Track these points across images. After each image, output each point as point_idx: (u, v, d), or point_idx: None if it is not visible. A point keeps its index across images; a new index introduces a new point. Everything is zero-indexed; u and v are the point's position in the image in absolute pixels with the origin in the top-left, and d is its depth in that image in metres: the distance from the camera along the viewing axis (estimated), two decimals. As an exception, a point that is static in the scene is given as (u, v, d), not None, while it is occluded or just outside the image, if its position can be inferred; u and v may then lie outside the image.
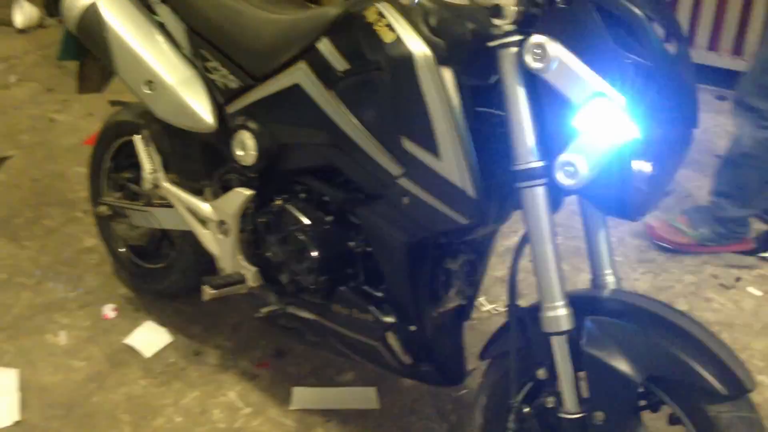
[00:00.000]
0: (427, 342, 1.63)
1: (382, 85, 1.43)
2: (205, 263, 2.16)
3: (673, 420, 1.36)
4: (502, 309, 2.29)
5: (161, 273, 2.25)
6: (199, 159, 1.98)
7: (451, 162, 1.35)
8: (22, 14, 4.49)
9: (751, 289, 2.38)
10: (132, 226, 2.27)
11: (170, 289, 2.25)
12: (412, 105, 1.37)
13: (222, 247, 1.85)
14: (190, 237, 2.10)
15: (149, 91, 1.85)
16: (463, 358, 1.71)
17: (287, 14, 1.72)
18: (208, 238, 1.88)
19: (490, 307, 2.31)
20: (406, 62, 1.36)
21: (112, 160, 2.29)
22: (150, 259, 2.32)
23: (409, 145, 1.40)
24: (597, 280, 1.49)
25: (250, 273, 1.81)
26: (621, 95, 1.19)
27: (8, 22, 4.53)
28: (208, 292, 1.76)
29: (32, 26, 4.67)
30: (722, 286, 2.41)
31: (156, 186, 1.96)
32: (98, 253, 2.56)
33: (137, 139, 1.98)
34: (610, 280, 1.48)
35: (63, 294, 2.38)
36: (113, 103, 3.62)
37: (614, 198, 1.27)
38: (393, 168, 1.44)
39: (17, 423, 1.91)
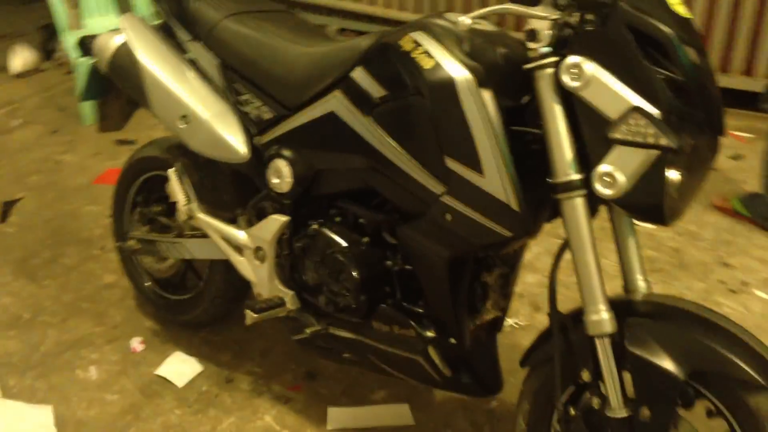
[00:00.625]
0: (465, 354, 1.69)
1: (421, 108, 1.51)
2: (234, 291, 2.23)
3: (710, 413, 1.44)
4: (524, 323, 2.36)
5: (189, 303, 2.30)
6: (229, 190, 2.04)
7: (495, 178, 1.43)
8: (20, 58, 4.55)
9: (759, 293, 2.47)
10: (158, 259, 2.33)
11: (199, 318, 2.30)
12: (455, 126, 1.45)
13: (259, 273, 1.91)
14: (218, 266, 2.17)
15: (184, 126, 1.92)
16: (499, 368, 1.77)
17: (319, 47, 1.80)
18: (245, 265, 1.94)
19: (511, 322, 2.38)
20: (447, 86, 1.45)
21: (138, 194, 2.35)
22: (176, 291, 2.37)
23: (453, 164, 1.47)
24: (629, 285, 1.56)
25: (287, 296, 1.87)
26: (654, 108, 1.28)
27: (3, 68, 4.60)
28: (251, 316, 1.81)
29: (29, 70, 4.74)
30: (731, 291, 2.50)
31: (191, 217, 2.02)
32: (119, 288, 2.61)
33: (171, 173, 2.04)
34: (641, 285, 1.55)
35: (89, 330, 2.41)
36: (119, 142, 3.73)
37: (649, 205, 1.35)
38: (435, 186, 1.52)
39: (58, 457, 1.94)
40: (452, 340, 1.67)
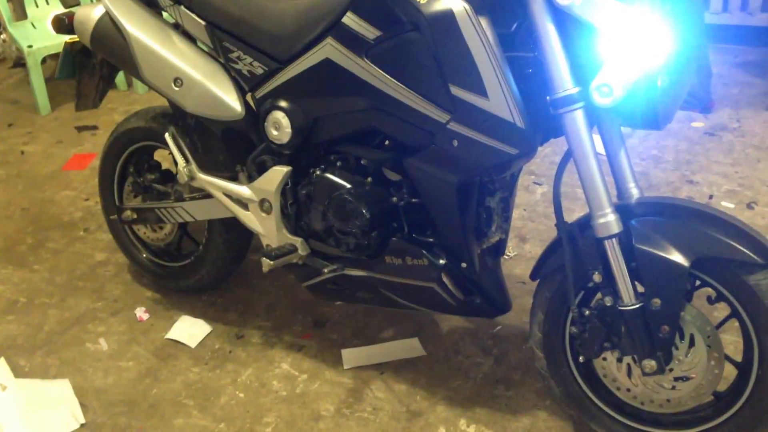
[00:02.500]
0: (476, 277, 1.79)
1: (420, 43, 1.58)
2: (235, 251, 2.28)
3: (711, 300, 1.58)
4: (513, 254, 2.47)
5: (190, 268, 2.34)
6: (223, 149, 2.08)
7: (500, 99, 1.52)
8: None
9: (726, 203, 2.63)
10: (153, 228, 2.36)
11: (201, 282, 2.34)
12: (457, 55, 1.53)
13: (266, 225, 1.97)
14: (217, 227, 2.22)
15: (178, 89, 1.95)
16: (506, 288, 1.87)
17: (303, -2, 1.86)
18: (251, 219, 1.99)
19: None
20: (446, 17, 1.52)
21: (125, 167, 2.36)
22: (174, 259, 2.40)
23: (457, 91, 1.55)
24: (624, 193, 1.67)
25: (297, 243, 1.93)
26: (643, 18, 1.38)
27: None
28: (267, 263, 1.88)
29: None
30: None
31: (192, 178, 2.05)
32: (113, 264, 2.63)
33: (168, 137, 2.07)
34: (634, 192, 1.66)
35: (90, 306, 2.43)
36: (80, 128, 3.70)
37: (643, 111, 1.47)
38: (440, 116, 1.60)
39: (83, 426, 1.97)
40: (463, 265, 1.77)
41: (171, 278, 2.40)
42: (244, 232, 2.19)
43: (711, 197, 2.68)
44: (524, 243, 2.53)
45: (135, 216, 2.30)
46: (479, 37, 1.51)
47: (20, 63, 4.55)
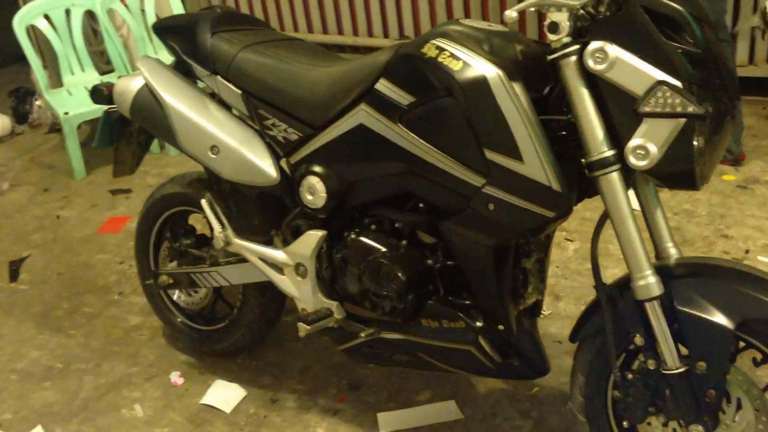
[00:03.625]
0: (513, 339, 1.77)
1: (454, 108, 1.60)
2: (270, 313, 2.29)
3: (757, 362, 1.55)
4: (547, 312, 2.45)
5: (225, 332, 2.35)
6: (257, 214, 2.11)
7: (535, 163, 1.53)
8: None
9: (762, 258, 2.60)
10: (188, 293, 2.37)
11: (236, 345, 2.34)
12: (492, 120, 1.55)
13: (302, 289, 1.97)
14: (252, 291, 2.23)
15: (214, 156, 1.99)
16: (544, 349, 1.85)
17: (337, 66, 1.89)
18: (287, 283, 2.00)
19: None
20: (480, 84, 1.55)
21: (161, 232, 2.40)
22: (209, 322, 2.41)
23: (492, 156, 1.57)
24: (662, 253, 1.66)
25: (333, 307, 1.93)
26: (676, 80, 1.39)
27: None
28: (304, 327, 1.87)
29: (4, 135, 4.75)
30: (736, 260, 2.62)
31: (228, 243, 2.07)
32: (147, 328, 2.64)
33: (204, 203, 2.10)
34: (672, 251, 1.65)
35: (125, 371, 2.44)
36: (115, 192, 3.76)
37: (680, 172, 1.46)
38: (475, 179, 1.61)
39: (120, 494, 1.96)
40: (500, 327, 1.76)
41: (205, 342, 2.41)
42: (279, 295, 2.20)
43: (747, 252, 2.65)
44: (558, 301, 2.50)
45: (171, 281, 2.32)
46: (513, 103, 1.52)
47: (55, 129, 4.67)
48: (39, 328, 2.72)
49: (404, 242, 1.83)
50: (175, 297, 2.43)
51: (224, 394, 2.27)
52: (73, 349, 2.59)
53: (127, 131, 2.36)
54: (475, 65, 1.56)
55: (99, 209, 3.62)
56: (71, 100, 4.09)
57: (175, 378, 2.37)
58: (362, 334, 1.88)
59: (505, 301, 1.74)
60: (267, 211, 2.10)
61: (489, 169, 1.59)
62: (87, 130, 4.39)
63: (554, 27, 1.48)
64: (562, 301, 2.50)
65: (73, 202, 3.73)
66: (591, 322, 1.67)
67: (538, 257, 1.83)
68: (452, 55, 1.60)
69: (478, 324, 1.76)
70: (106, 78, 4.28)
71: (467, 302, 1.78)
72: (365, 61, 1.82)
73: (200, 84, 2.14)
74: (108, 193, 3.78)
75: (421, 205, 1.81)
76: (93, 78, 4.26)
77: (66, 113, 3.91)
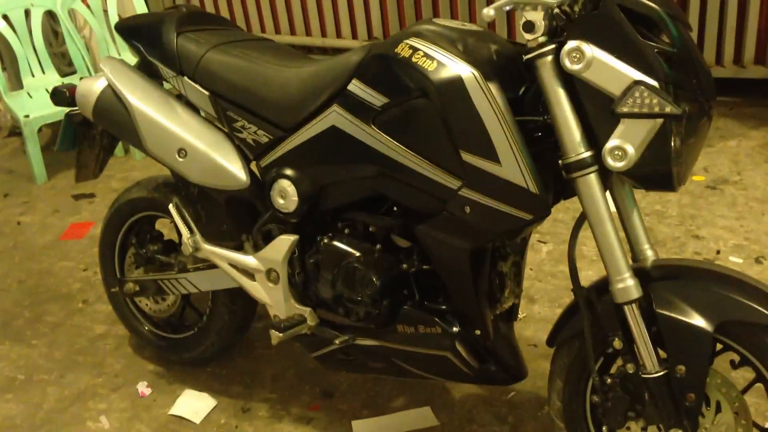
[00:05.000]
0: (490, 344, 1.74)
1: (428, 109, 1.57)
2: (240, 321, 2.24)
3: (735, 365, 1.53)
4: (521, 315, 2.42)
5: (193, 340, 2.28)
6: (226, 219, 2.05)
7: (512, 165, 1.50)
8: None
9: (733, 258, 2.60)
10: (155, 300, 2.31)
11: (205, 353, 2.28)
12: (467, 121, 1.51)
13: (273, 295, 1.92)
14: (221, 298, 2.17)
15: (182, 159, 1.93)
16: (521, 354, 1.83)
17: (307, 67, 1.85)
18: (258, 289, 1.95)
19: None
20: (455, 84, 1.51)
21: (126, 238, 2.33)
22: (177, 330, 2.35)
23: (469, 158, 1.53)
24: (638, 255, 1.64)
25: (306, 313, 1.89)
26: (653, 80, 1.37)
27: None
28: (276, 335, 1.83)
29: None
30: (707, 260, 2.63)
31: (197, 249, 2.01)
32: (112, 337, 2.56)
33: (171, 208, 2.04)
34: (649, 254, 1.63)
35: (90, 382, 2.36)
36: (77, 197, 3.67)
37: (658, 173, 1.44)
38: (451, 182, 1.58)
39: None
40: (477, 332, 1.73)
41: (174, 350, 2.34)
42: (249, 302, 2.14)
43: (718, 252, 2.65)
44: (533, 304, 2.48)
45: (137, 288, 2.25)
46: (489, 104, 1.50)
47: (15, 132, 4.55)
48: (-1, 338, 2.63)
49: (378, 246, 1.80)
50: (141, 305, 2.36)
51: (193, 404, 2.21)
52: (36, 359, 2.50)
53: (90, 134, 2.28)
54: (449, 65, 1.53)
55: (61, 215, 3.53)
56: (31, 102, 3.98)
57: (143, 388, 2.30)
58: (336, 341, 1.84)
59: (481, 306, 1.71)
60: (237, 216, 2.05)
61: (465, 171, 1.55)
62: (48, 133, 4.29)
63: (530, 26, 1.45)
64: (537, 304, 2.48)
65: (35, 208, 3.62)
66: (569, 325, 1.65)
67: (514, 260, 1.80)
68: (426, 55, 1.57)
69: (455, 329, 1.73)
70: (68, 80, 4.18)
71: (443, 307, 1.75)
72: (337, 62, 1.78)
73: (166, 85, 2.08)
74: (71, 198, 3.68)
75: (395, 208, 1.78)
76: (54, 80, 4.16)
77: (26, 116, 3.80)
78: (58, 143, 2.29)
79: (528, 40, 1.47)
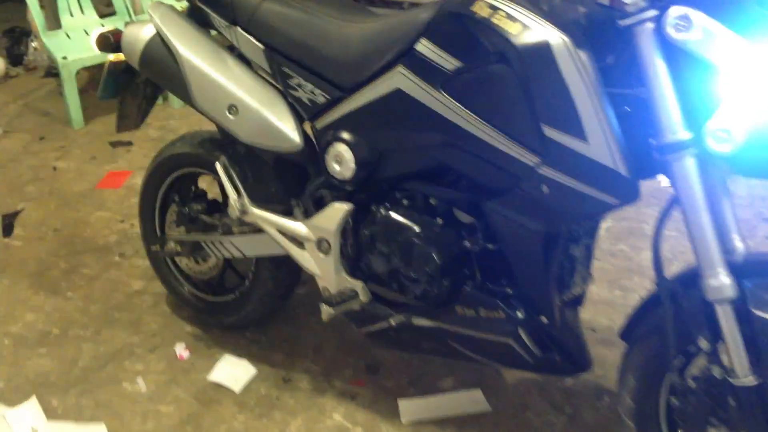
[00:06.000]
0: (556, 332, 1.62)
1: (508, 76, 1.42)
2: (283, 288, 2.13)
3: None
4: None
5: (233, 304, 2.19)
6: (275, 180, 1.94)
7: (601, 144, 1.35)
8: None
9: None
10: (196, 261, 2.21)
11: (246, 319, 2.19)
12: (553, 92, 1.37)
13: (324, 266, 1.81)
14: (265, 263, 2.06)
15: (232, 117, 1.80)
16: (586, 344, 1.70)
17: (371, 23, 1.70)
18: (307, 259, 1.83)
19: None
20: (542, 50, 1.36)
21: (168, 194, 2.22)
22: (218, 293, 2.25)
23: (552, 132, 1.39)
24: (726, 246, 1.49)
25: (358, 288, 1.77)
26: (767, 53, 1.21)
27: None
28: (327, 311, 1.72)
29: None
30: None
31: (244, 213, 1.90)
32: (150, 294, 2.48)
33: (219, 167, 1.92)
34: (739, 245, 1.48)
35: (126, 340, 2.28)
36: (115, 144, 3.57)
37: (765, 159, 1.29)
38: (528, 158, 1.44)
39: (120, 477, 1.82)
40: (543, 319, 1.60)
41: (214, 313, 2.25)
42: (294, 268, 2.03)
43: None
44: (591, 284, 2.34)
45: (178, 248, 2.15)
46: (579, 74, 1.34)
47: (52, 73, 4.44)
48: (34, 288, 2.55)
49: (440, 221, 1.67)
50: (182, 264, 2.26)
51: (233, 372, 2.12)
52: (71, 313, 2.42)
53: (134, 83, 2.16)
54: (535, 29, 1.38)
55: (98, 162, 3.43)
56: (70, 43, 3.86)
57: (181, 350, 2.22)
58: (391, 321, 1.73)
59: (550, 291, 1.58)
60: (285, 178, 1.93)
61: (546, 147, 1.41)
62: (86, 76, 4.17)
63: (631, -12, 1.29)
64: (594, 284, 2.34)
65: (70, 154, 3.53)
66: (647, 319, 1.52)
67: (586, 243, 1.67)
68: (508, 16, 1.41)
69: (519, 315, 1.60)
70: (108, 21, 4.05)
71: (507, 290, 1.63)
72: (403, 19, 1.64)
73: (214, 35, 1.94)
74: (108, 145, 3.58)
75: (460, 180, 1.65)
76: (93, 21, 4.03)
77: (64, 58, 3.68)
78: (99, 91, 2.16)
79: (626, 4, 1.31)
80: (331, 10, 1.77)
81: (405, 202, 1.72)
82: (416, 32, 1.56)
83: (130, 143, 3.58)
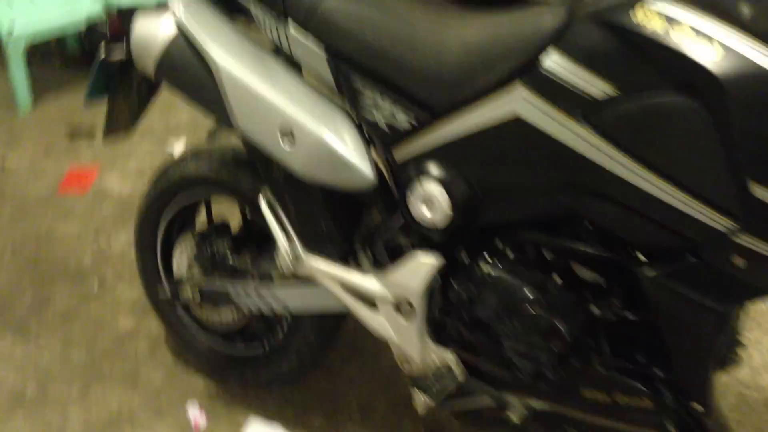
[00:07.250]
0: (707, 424, 1.30)
1: (697, 113, 1.06)
2: (325, 338, 1.76)
3: None
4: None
5: (263, 359, 1.79)
6: (325, 215, 1.53)
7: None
8: None
9: None
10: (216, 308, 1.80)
11: (277, 376, 1.79)
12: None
13: (403, 333, 1.43)
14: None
15: (288, 147, 1.38)
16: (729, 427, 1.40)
17: (474, 24, 1.30)
18: (381, 323, 1.46)
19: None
20: (752, 83, 1.01)
21: (174, 225, 1.80)
22: (244, 343, 1.85)
23: (762, 193, 1.05)
24: None
25: (451, 361, 1.41)
26: None
27: None
28: (424, 403, 1.36)
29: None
30: None
31: (297, 262, 1.50)
32: (145, 337, 2.06)
33: (263, 204, 1.51)
34: None
35: (124, 399, 1.87)
36: (73, 135, 3.05)
37: None
38: (718, 221, 1.09)
39: None
40: (697, 407, 1.28)
41: (238, 369, 1.84)
42: (339, 316, 1.66)
43: None
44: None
45: (198, 296, 1.72)
46: (813, 116, 1.00)
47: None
48: (-3, 330, 2.10)
49: (559, 280, 1.32)
50: (194, 311, 1.85)
51: (265, 442, 1.75)
52: (48, 364, 1.98)
53: (127, 79, 1.71)
54: (743, 52, 1.02)
55: (55, 157, 2.91)
56: (13, 13, 3.26)
57: (195, 414, 1.82)
58: (511, 417, 1.37)
59: (710, 374, 1.26)
60: (338, 214, 1.54)
61: (750, 209, 1.07)
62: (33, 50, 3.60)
63: None
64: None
65: (22, 150, 2.98)
66: None
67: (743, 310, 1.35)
68: (697, 32, 1.05)
69: (669, 402, 1.28)
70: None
71: (653, 371, 1.30)
72: (519, 21, 1.25)
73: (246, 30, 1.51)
74: (65, 137, 3.06)
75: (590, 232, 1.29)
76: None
77: (9, 33, 3.11)
78: (87, 91, 1.70)
79: None
80: (419, 8, 1.36)
81: (510, 254, 1.36)
82: (541, 41, 1.18)
83: (91, 135, 3.06)
